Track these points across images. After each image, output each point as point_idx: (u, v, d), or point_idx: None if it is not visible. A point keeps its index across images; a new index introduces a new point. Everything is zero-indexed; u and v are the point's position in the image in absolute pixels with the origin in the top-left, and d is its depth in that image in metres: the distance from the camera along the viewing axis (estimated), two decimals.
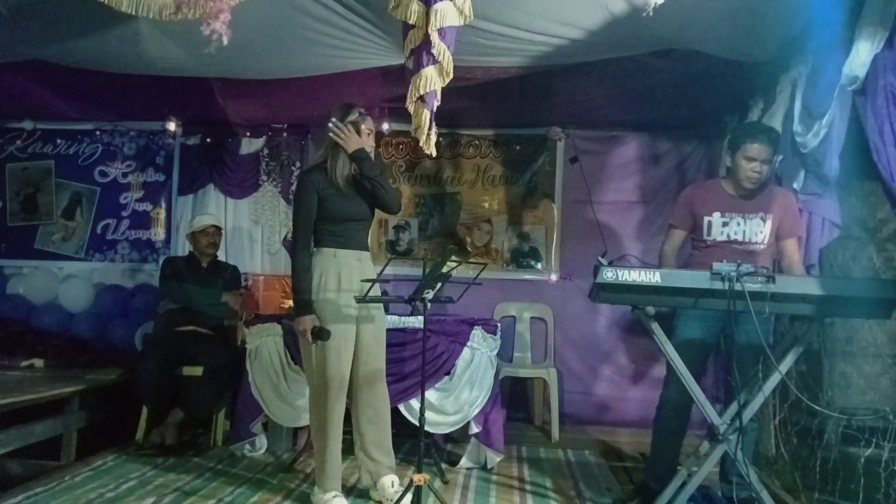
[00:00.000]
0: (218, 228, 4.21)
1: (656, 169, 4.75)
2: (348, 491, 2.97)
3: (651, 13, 2.20)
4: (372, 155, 2.88)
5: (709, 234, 2.88)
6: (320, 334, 2.65)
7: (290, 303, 4.76)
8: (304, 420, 3.48)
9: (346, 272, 2.76)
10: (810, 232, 2.87)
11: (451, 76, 2.40)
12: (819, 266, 2.93)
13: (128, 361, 4.19)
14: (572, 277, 4.76)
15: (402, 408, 3.37)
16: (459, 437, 3.63)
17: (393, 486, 2.82)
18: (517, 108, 4.43)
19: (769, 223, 2.83)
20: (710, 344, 2.88)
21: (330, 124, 2.74)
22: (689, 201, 2.97)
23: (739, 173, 2.82)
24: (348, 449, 2.95)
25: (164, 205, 5.13)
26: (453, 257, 3.99)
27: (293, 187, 4.96)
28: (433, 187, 5.01)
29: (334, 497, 2.73)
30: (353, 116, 2.79)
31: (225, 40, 2.24)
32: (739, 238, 2.85)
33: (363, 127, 2.81)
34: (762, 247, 2.84)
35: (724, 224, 2.86)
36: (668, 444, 2.91)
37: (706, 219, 2.89)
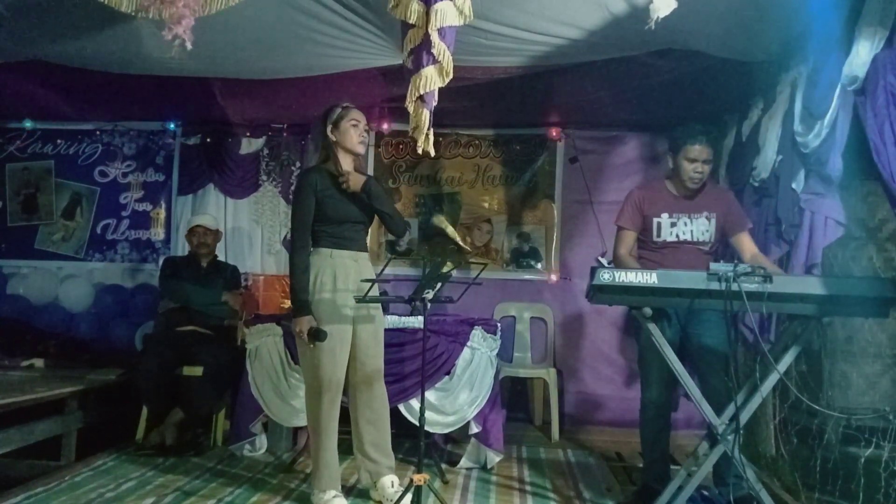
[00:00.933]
0: (207, 229, 4.17)
1: (656, 169, 4.74)
2: (348, 491, 2.97)
3: (653, 27, 2.21)
4: (364, 148, 2.86)
5: (658, 235, 2.92)
6: (317, 335, 2.64)
7: (290, 303, 4.77)
8: (304, 420, 3.48)
9: (342, 272, 2.76)
10: (813, 232, 2.87)
11: (451, 76, 2.39)
12: (820, 265, 2.93)
13: (128, 361, 4.18)
14: (572, 277, 4.76)
15: (402, 408, 3.37)
16: (459, 437, 3.63)
17: (393, 486, 2.82)
18: (517, 108, 4.42)
19: (714, 221, 2.89)
20: (675, 343, 2.89)
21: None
22: (638, 203, 2.98)
23: (682, 174, 2.87)
24: (348, 449, 2.95)
25: (163, 205, 5.14)
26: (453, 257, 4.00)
27: (293, 187, 4.96)
28: (433, 187, 5.01)
29: (334, 497, 2.73)
30: (336, 114, 2.79)
31: (189, 45, 2.22)
32: (688, 238, 2.90)
33: (347, 119, 2.78)
34: (710, 245, 2.90)
35: (673, 224, 2.91)
36: (657, 443, 2.94)
37: (655, 220, 2.92)
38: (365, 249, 2.91)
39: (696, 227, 2.89)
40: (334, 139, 2.79)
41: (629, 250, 2.98)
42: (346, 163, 2.82)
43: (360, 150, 2.85)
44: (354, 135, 2.80)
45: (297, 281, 2.71)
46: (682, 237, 2.90)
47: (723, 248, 3.14)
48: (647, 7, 2.22)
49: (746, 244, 2.88)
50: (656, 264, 2.84)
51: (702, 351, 2.84)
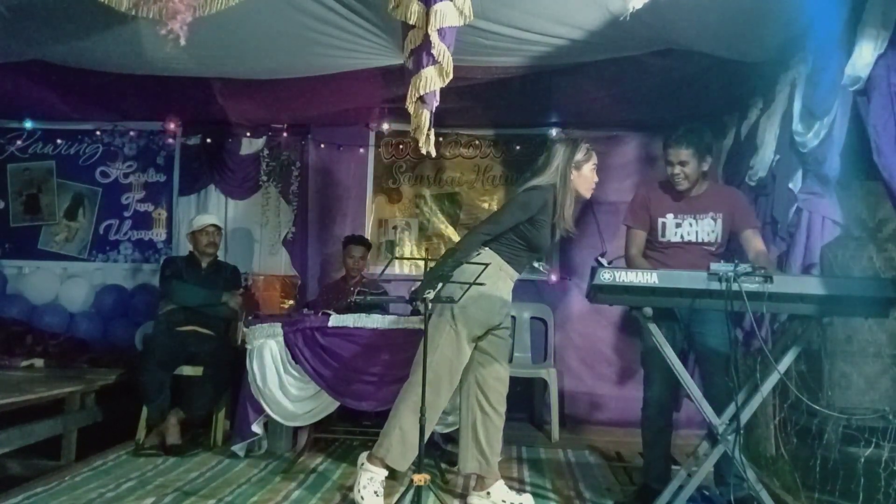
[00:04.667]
0: (218, 228, 4.20)
1: (656, 169, 4.73)
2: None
3: (628, 17, 2.21)
4: (592, 190, 2.86)
5: (663, 235, 2.91)
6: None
7: (290, 302, 4.78)
8: (304, 420, 3.49)
9: (502, 287, 2.79)
10: (810, 231, 2.87)
11: (451, 76, 2.39)
12: (819, 265, 2.93)
13: (128, 361, 4.19)
14: (572, 277, 4.76)
15: None
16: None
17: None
18: (517, 108, 4.43)
19: (720, 222, 2.87)
20: (682, 344, 2.88)
21: None
22: (644, 202, 2.98)
23: (670, 177, 2.88)
24: (347, 451, 2.94)
25: (165, 205, 5.14)
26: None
27: (293, 187, 4.96)
28: (433, 187, 5.01)
29: (384, 477, 2.74)
30: (582, 154, 2.79)
31: (182, 41, 2.23)
32: (693, 239, 2.88)
33: (590, 164, 2.80)
34: (716, 247, 2.88)
35: (678, 225, 2.90)
36: (658, 442, 2.93)
37: (660, 220, 2.92)
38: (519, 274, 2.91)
39: (702, 228, 2.88)
40: (571, 178, 2.78)
41: (640, 250, 2.98)
42: (574, 208, 2.81)
43: (588, 195, 2.87)
44: (591, 180, 2.83)
45: (455, 260, 2.68)
46: (686, 238, 2.89)
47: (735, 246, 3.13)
48: (642, 6, 2.22)
49: (752, 241, 2.85)
50: (661, 264, 2.83)
51: (705, 351, 2.83)
